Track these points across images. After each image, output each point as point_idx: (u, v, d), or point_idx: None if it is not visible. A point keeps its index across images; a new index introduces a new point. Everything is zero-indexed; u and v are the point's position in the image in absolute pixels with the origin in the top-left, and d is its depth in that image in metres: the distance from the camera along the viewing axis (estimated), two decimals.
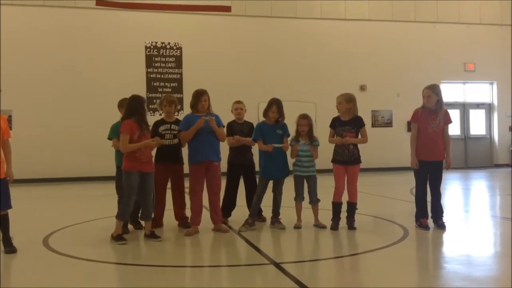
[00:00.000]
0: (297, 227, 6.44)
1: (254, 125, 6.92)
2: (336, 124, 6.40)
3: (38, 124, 14.48)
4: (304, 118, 6.52)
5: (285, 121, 6.60)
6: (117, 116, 6.71)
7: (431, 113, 6.21)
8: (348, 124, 6.32)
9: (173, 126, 6.64)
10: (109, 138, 6.45)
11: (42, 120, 14.51)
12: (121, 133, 5.73)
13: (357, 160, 6.36)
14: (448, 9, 17.66)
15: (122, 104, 6.51)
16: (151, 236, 5.89)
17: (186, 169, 6.74)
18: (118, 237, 5.74)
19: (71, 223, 6.79)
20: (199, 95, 6.25)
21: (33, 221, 7.65)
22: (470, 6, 17.81)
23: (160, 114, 6.83)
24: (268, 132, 6.47)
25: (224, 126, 6.51)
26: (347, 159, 6.31)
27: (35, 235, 6.14)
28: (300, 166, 6.50)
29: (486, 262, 4.81)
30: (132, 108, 5.82)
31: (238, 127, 6.89)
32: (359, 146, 6.41)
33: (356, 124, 6.34)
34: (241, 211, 6.98)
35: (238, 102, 7.15)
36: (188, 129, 6.19)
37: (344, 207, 6.40)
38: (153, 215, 6.69)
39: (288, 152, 6.53)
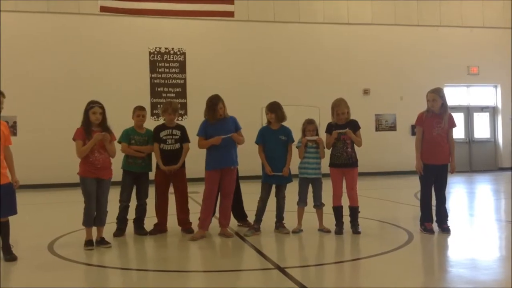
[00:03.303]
0: (296, 231, 6.44)
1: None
2: (333, 128, 6.39)
3: (43, 130, 14.53)
4: (311, 123, 6.56)
5: (289, 124, 6.61)
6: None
7: (435, 116, 6.21)
8: (345, 127, 6.32)
9: (174, 131, 6.66)
10: (119, 142, 6.51)
11: (46, 126, 14.57)
12: (75, 140, 5.78)
13: (355, 163, 6.37)
14: (451, 12, 17.67)
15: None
16: (101, 242, 5.82)
17: (188, 173, 6.77)
18: (87, 243, 5.74)
19: (76, 228, 6.79)
20: (215, 105, 6.19)
21: (39, 227, 7.68)
22: (473, 10, 17.82)
23: (164, 119, 6.85)
24: (270, 138, 6.49)
25: (241, 129, 6.48)
26: (345, 161, 6.31)
27: (41, 240, 6.16)
28: (306, 169, 6.50)
29: (491, 266, 4.80)
30: (83, 116, 5.86)
31: None
32: (359, 149, 6.42)
33: (353, 127, 6.35)
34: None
35: None
36: (206, 137, 6.21)
37: (346, 212, 6.40)
38: (156, 220, 6.75)
39: (290, 156, 6.53)
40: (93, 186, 5.75)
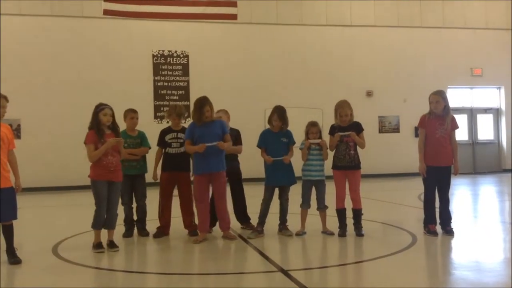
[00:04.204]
0: (299, 233, 6.44)
1: (240, 132, 7.01)
2: (336, 130, 6.39)
3: (47, 133, 14.56)
4: (314, 126, 6.56)
5: (292, 126, 6.60)
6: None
7: (438, 118, 6.21)
8: (348, 129, 6.32)
9: (179, 135, 6.66)
10: None
11: (50, 129, 14.60)
12: (86, 145, 5.75)
13: (358, 166, 6.37)
14: (454, 14, 17.64)
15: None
16: (110, 246, 5.82)
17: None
18: (97, 245, 5.74)
19: (80, 231, 6.82)
20: (201, 107, 6.15)
21: (42, 230, 7.70)
22: (476, 11, 17.78)
23: (167, 122, 6.87)
24: (272, 140, 6.49)
25: (229, 132, 6.48)
26: (348, 164, 6.31)
27: (44, 243, 6.17)
28: (310, 171, 6.50)
29: (495, 268, 4.79)
30: (91, 118, 5.84)
31: None
32: (362, 152, 6.41)
33: (356, 129, 6.35)
34: (232, 218, 7.04)
35: (218, 111, 7.09)
36: (192, 140, 6.19)
37: (349, 214, 6.39)
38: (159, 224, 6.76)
39: (294, 160, 6.52)
40: (104, 189, 5.74)
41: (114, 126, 5.88)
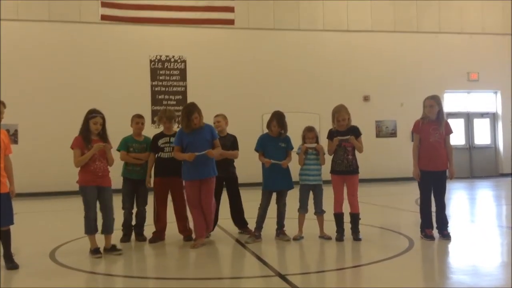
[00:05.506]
0: (297, 238, 6.44)
1: (237, 138, 7.02)
2: (334, 135, 6.41)
3: (44, 138, 14.54)
4: (311, 131, 6.56)
5: (289, 131, 6.60)
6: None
7: (432, 123, 6.24)
8: (347, 134, 6.34)
9: (172, 139, 6.63)
10: (118, 150, 6.55)
11: (47, 134, 14.57)
12: (73, 149, 5.76)
13: (356, 170, 6.38)
14: (451, 19, 17.73)
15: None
16: (112, 249, 5.81)
17: None
18: (94, 251, 5.73)
19: (78, 236, 6.80)
20: (189, 114, 6.11)
21: (40, 235, 7.69)
22: (473, 16, 17.87)
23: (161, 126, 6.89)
24: (270, 145, 6.49)
25: (218, 137, 6.48)
26: (346, 168, 6.32)
27: (42, 248, 6.17)
28: (307, 175, 6.51)
29: (492, 272, 4.80)
30: (82, 124, 5.84)
31: (221, 141, 6.67)
32: (360, 156, 6.43)
33: (354, 133, 6.37)
34: (230, 223, 7.09)
35: (216, 115, 7.11)
36: (182, 147, 6.16)
37: (347, 219, 6.40)
38: (155, 229, 6.74)
39: (291, 164, 6.53)
40: (93, 194, 5.74)
41: (103, 133, 5.86)
